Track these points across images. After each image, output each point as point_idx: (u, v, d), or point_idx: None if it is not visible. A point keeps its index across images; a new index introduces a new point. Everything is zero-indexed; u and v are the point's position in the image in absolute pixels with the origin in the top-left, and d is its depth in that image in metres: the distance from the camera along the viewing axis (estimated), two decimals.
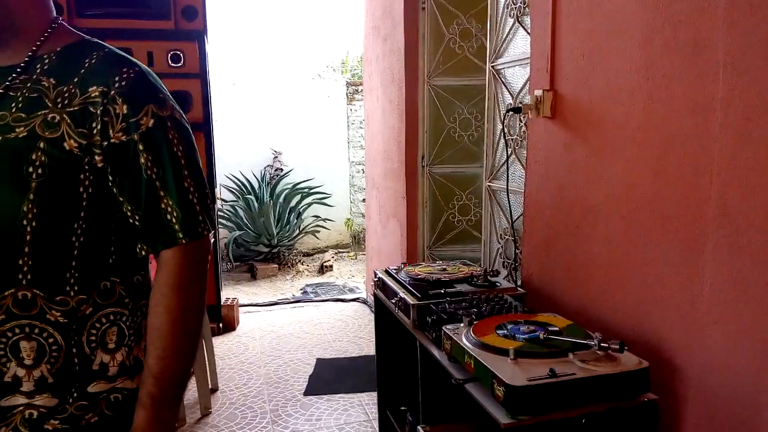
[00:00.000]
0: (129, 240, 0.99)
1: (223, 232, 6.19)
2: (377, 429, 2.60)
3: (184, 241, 0.95)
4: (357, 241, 7.15)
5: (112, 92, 0.92)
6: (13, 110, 0.91)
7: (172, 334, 0.95)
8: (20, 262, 0.90)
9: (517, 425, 1.27)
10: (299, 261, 6.59)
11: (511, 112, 2.34)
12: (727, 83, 1.32)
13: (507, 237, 2.55)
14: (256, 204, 6.38)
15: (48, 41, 0.97)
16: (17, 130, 0.90)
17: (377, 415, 2.56)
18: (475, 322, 1.60)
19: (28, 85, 0.94)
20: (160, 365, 0.95)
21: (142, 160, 0.94)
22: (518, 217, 2.35)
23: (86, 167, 0.92)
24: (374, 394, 2.59)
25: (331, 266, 6.43)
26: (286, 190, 6.65)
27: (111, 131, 0.92)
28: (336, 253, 7.06)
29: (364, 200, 5.77)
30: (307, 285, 5.71)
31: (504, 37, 2.51)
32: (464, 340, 1.52)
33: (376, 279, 2.30)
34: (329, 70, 7.75)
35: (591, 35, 1.79)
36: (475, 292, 1.95)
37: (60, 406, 0.94)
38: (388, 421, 2.40)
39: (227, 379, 3.34)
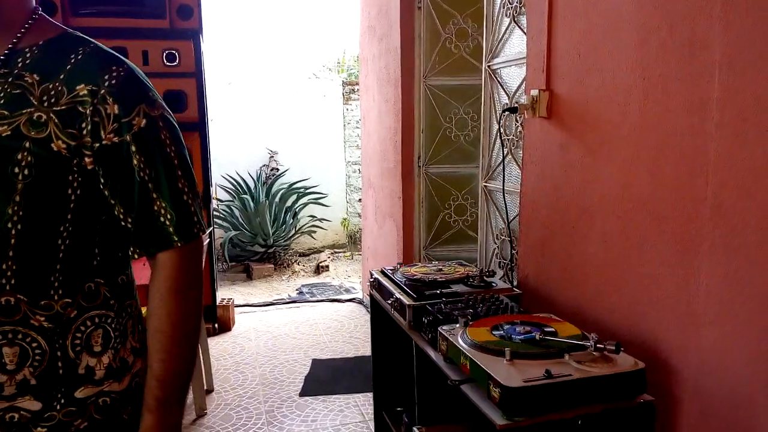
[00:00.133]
0: (113, 240, 0.97)
1: (218, 232, 6.17)
2: (373, 430, 2.60)
3: (179, 244, 0.94)
4: (353, 241, 7.14)
5: (102, 91, 0.89)
6: None
7: (174, 337, 0.95)
8: (3, 266, 0.87)
9: (513, 426, 1.27)
10: (295, 261, 6.58)
11: (507, 112, 2.34)
12: (722, 83, 1.32)
13: (503, 237, 2.55)
14: (251, 204, 6.37)
15: (28, 34, 0.93)
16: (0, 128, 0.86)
17: (373, 416, 2.56)
18: (471, 323, 1.60)
19: (10, 80, 0.89)
20: (164, 368, 0.94)
21: (135, 162, 0.91)
22: (514, 218, 2.35)
23: (75, 169, 0.89)
24: (370, 395, 2.58)
25: (327, 266, 6.42)
26: (282, 190, 6.64)
27: (102, 132, 0.89)
28: (332, 253, 7.05)
29: (360, 200, 5.76)
30: (303, 285, 5.70)
31: (500, 36, 2.50)
32: (460, 340, 1.52)
33: (372, 279, 2.30)
34: (325, 70, 7.75)
35: (587, 35, 1.78)
36: (471, 293, 1.94)
37: (46, 412, 0.91)
38: (384, 422, 2.39)
39: (222, 380, 3.32)
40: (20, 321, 0.89)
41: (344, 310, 4.66)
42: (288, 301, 5.02)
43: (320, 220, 6.82)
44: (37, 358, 0.90)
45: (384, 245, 4.09)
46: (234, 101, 6.79)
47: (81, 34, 0.97)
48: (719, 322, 1.36)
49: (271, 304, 4.90)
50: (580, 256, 1.86)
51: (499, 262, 2.62)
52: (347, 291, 5.33)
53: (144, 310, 1.00)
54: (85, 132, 0.89)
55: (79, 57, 0.92)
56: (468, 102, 3.45)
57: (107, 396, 0.96)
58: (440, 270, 2.23)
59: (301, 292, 5.42)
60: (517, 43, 2.39)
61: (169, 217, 0.93)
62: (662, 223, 1.52)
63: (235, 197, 6.48)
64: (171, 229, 0.94)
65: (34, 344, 0.90)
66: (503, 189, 2.36)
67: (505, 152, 2.45)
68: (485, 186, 2.70)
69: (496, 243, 2.65)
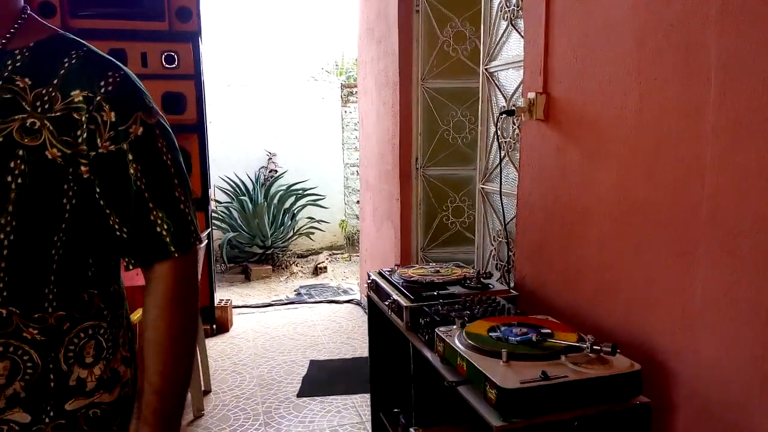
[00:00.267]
0: (106, 250, 0.95)
1: (217, 234, 6.16)
2: (370, 431, 2.60)
3: (177, 255, 0.92)
4: (351, 243, 7.15)
5: (98, 98, 0.86)
6: None
7: (172, 349, 0.93)
8: None
9: (509, 428, 1.27)
10: (293, 262, 6.58)
11: (504, 115, 2.35)
12: (719, 86, 1.32)
13: (500, 239, 2.56)
14: (250, 205, 6.37)
15: (18, 35, 0.89)
16: None
17: (370, 417, 2.56)
18: (467, 324, 1.60)
19: (0, 83, 0.85)
20: (163, 380, 0.92)
21: (132, 171, 0.88)
22: (511, 220, 2.36)
23: (70, 177, 0.86)
24: (367, 396, 2.59)
25: (325, 268, 6.42)
26: (281, 192, 6.64)
27: (99, 140, 0.86)
28: (330, 254, 7.05)
29: (358, 202, 5.77)
30: (301, 286, 5.70)
31: (497, 40, 2.51)
32: (457, 342, 1.52)
33: (369, 281, 2.30)
34: (324, 72, 7.76)
35: (584, 38, 1.79)
36: (468, 294, 1.95)
37: (35, 425, 0.88)
38: (381, 423, 2.40)
39: (220, 381, 3.32)
40: (12, 334, 0.85)
41: (342, 311, 4.66)
42: (286, 302, 5.02)
43: (318, 221, 6.83)
44: (29, 371, 0.87)
45: (382, 247, 4.10)
46: (233, 103, 6.80)
47: (72, 36, 0.94)
48: (715, 325, 1.37)
49: (269, 305, 4.90)
50: (577, 258, 1.87)
51: (496, 264, 2.63)
52: (345, 292, 5.33)
53: (133, 316, 0.98)
54: (80, 140, 0.85)
55: (73, 61, 0.88)
56: (465, 105, 3.46)
57: (97, 407, 0.94)
58: (437, 271, 2.24)
59: (299, 294, 5.42)
60: (514, 46, 2.39)
61: (165, 227, 0.91)
62: (658, 226, 1.52)
63: (233, 199, 6.48)
64: (168, 240, 0.91)
65: (26, 357, 0.87)
66: (500, 191, 2.37)
67: (503, 155, 2.45)
68: (482, 188, 2.71)
69: (493, 245, 2.66)
